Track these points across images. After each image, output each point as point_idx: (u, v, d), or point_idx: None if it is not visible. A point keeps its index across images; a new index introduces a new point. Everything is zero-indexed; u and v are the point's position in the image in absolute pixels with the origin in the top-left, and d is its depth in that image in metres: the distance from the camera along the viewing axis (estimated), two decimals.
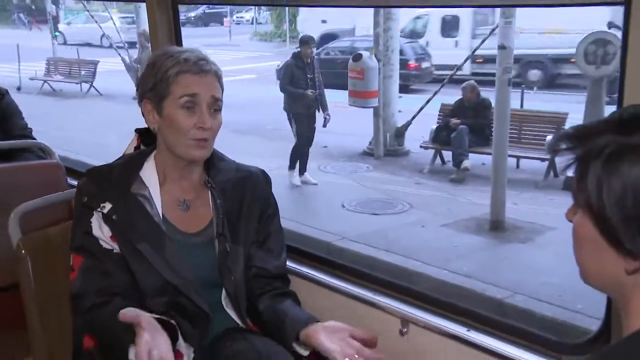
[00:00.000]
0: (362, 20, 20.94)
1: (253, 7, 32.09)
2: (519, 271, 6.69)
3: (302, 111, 9.52)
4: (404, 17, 19.41)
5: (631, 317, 1.01)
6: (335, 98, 14.37)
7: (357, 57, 10.71)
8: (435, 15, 19.76)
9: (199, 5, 33.04)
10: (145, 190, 1.93)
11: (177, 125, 1.85)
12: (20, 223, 2.28)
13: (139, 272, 1.86)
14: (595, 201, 0.97)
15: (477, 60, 14.43)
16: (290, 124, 9.64)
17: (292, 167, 9.60)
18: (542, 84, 12.22)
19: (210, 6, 34.00)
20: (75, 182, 2.50)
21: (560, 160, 1.03)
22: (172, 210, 1.95)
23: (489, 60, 15.94)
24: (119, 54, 15.17)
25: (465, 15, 19.25)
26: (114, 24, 17.56)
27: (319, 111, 9.59)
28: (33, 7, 34.49)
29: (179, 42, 2.59)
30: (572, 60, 16.07)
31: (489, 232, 7.75)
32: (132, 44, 16.28)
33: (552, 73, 15.87)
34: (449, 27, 19.86)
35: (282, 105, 9.75)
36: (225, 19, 33.61)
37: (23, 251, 2.12)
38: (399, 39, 11.67)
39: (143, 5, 2.64)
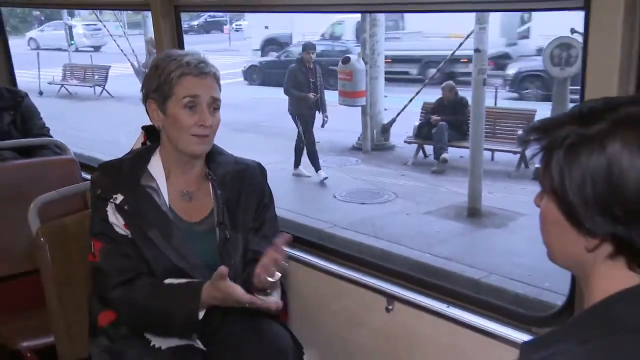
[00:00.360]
0: (297, 26, 21.55)
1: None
2: (494, 254, 6.71)
3: (306, 112, 9.42)
4: (326, 21, 20.33)
5: (592, 292, 1.02)
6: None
7: (346, 60, 10.68)
8: (351, 21, 19.78)
9: (201, 14, 32.94)
10: (153, 182, 1.93)
11: (180, 124, 1.86)
12: (39, 213, 2.29)
13: (150, 257, 1.87)
14: (558, 187, 0.98)
15: (387, 61, 14.80)
16: (296, 125, 9.48)
17: (317, 167, 9.41)
18: (438, 80, 12.86)
19: (212, 15, 33.83)
20: (88, 176, 2.50)
21: (529, 150, 1.04)
22: (176, 201, 1.96)
23: (396, 60, 16.29)
24: (129, 60, 15.09)
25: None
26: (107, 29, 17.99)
27: (319, 112, 9.51)
28: (43, 17, 33.98)
29: (181, 45, 2.60)
30: (463, 60, 16.09)
31: (467, 219, 7.77)
32: (96, 48, 16.34)
33: (445, 71, 16.59)
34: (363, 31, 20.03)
35: (287, 107, 9.61)
36: (225, 27, 33.49)
37: (42, 239, 2.12)
38: (384, 43, 11.58)
39: (149, 13, 2.64)
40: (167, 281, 1.84)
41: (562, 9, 1.57)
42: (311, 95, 9.36)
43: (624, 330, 0.94)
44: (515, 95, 13.94)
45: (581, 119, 0.97)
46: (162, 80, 1.85)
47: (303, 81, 9.46)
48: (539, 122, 1.04)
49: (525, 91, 12.34)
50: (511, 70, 15.60)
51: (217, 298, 1.73)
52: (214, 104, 1.89)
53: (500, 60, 16.20)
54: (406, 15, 19.35)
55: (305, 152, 9.47)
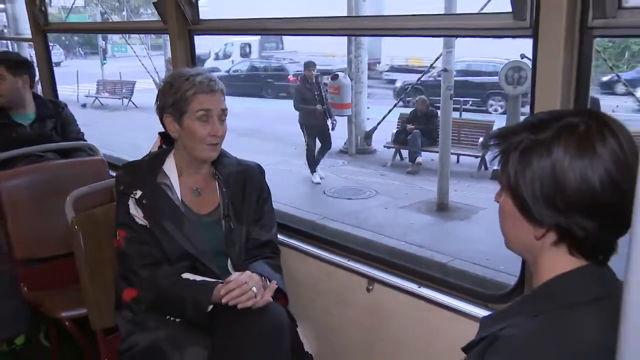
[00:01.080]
0: (212, 46, 22.59)
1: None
2: (458, 242, 6.71)
3: (315, 123, 9.25)
4: (220, 42, 21.55)
5: (540, 273, 1.03)
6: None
7: (335, 77, 10.62)
8: (237, 42, 21.23)
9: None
10: (167, 180, 1.93)
11: (195, 135, 1.86)
12: (73, 205, 2.29)
13: (165, 244, 1.87)
14: (513, 184, 0.98)
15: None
16: (304, 135, 9.31)
17: (313, 170, 9.27)
18: None
19: None
20: (115, 174, 2.50)
21: (490, 154, 1.04)
22: (187, 196, 1.95)
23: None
24: (151, 76, 15.06)
25: (255, 42, 21.12)
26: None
27: (327, 119, 9.36)
28: (67, 42, 32.96)
29: (194, 63, 2.58)
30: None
31: (437, 212, 7.78)
32: (56, 64, 16.32)
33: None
34: (245, 51, 21.35)
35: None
36: None
37: (76, 226, 2.12)
38: (367, 63, 11.55)
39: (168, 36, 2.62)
40: (185, 275, 1.84)
41: (510, 37, 1.58)
42: (318, 106, 9.23)
43: (564, 306, 0.95)
44: (400, 104, 14.04)
45: (532, 127, 0.97)
46: (177, 98, 1.85)
47: (309, 96, 9.27)
48: (499, 130, 1.05)
49: (408, 99, 12.76)
50: (398, 83, 16.76)
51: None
52: (223, 115, 1.89)
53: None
54: (285, 38, 21.11)
55: (306, 154, 9.38)
